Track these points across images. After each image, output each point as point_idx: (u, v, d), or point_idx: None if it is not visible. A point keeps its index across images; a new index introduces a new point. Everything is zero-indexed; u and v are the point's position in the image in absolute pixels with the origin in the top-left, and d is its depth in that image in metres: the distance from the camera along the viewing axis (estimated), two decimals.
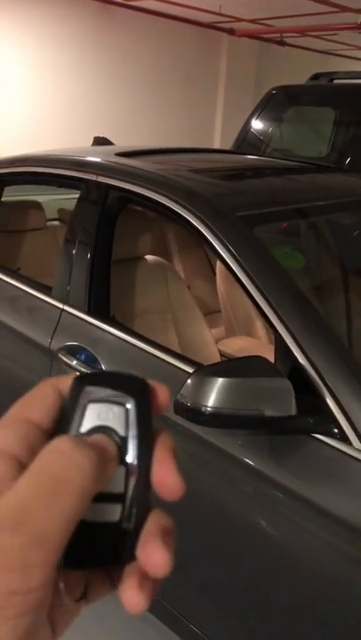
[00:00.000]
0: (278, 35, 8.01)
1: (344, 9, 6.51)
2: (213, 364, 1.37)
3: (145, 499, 0.29)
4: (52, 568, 0.25)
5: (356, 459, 1.25)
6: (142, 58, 8.32)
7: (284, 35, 8.04)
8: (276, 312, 1.41)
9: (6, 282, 2.22)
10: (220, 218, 1.61)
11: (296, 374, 1.33)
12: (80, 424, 0.29)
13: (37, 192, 3.13)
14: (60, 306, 1.96)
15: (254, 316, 2.59)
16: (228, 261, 1.52)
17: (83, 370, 1.79)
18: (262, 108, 5.02)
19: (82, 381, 0.30)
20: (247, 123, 5.06)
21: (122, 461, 0.29)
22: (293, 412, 1.27)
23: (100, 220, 1.97)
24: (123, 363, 1.75)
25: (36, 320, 2.05)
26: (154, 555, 0.28)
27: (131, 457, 0.30)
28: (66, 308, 1.95)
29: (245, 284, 1.48)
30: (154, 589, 0.29)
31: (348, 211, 2.01)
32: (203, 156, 2.61)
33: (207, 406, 1.26)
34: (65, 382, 0.31)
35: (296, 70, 7.94)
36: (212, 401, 1.26)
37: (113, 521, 0.29)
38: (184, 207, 1.67)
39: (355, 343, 1.67)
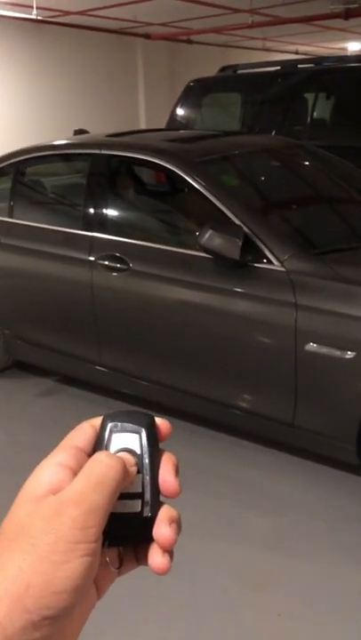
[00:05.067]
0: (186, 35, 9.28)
1: (236, 10, 7.86)
2: (213, 225, 2.57)
3: (156, 496, 0.43)
4: (101, 529, 0.39)
5: (277, 270, 2.51)
6: (70, 66, 9.52)
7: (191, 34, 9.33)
8: (226, 206, 2.65)
9: (45, 228, 3.34)
10: (188, 162, 2.86)
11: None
12: (109, 447, 0.44)
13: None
14: (91, 234, 3.12)
15: None
16: (197, 186, 2.75)
17: (116, 266, 2.96)
18: (184, 99, 6.24)
19: (107, 419, 0.45)
20: (173, 112, 6.26)
21: (139, 471, 0.43)
22: (238, 257, 2.51)
23: (108, 179, 3.16)
24: (141, 258, 2.93)
25: (76, 246, 3.17)
26: (164, 535, 0.42)
27: (145, 468, 0.43)
28: (95, 234, 3.11)
29: (207, 195, 2.71)
30: (171, 557, 0.43)
31: (260, 154, 3.37)
32: (167, 133, 3.87)
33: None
34: (96, 421, 0.45)
35: (202, 63, 9.27)
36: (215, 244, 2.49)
37: (135, 511, 0.43)
38: (167, 161, 2.88)
39: (272, 212, 2.98)
